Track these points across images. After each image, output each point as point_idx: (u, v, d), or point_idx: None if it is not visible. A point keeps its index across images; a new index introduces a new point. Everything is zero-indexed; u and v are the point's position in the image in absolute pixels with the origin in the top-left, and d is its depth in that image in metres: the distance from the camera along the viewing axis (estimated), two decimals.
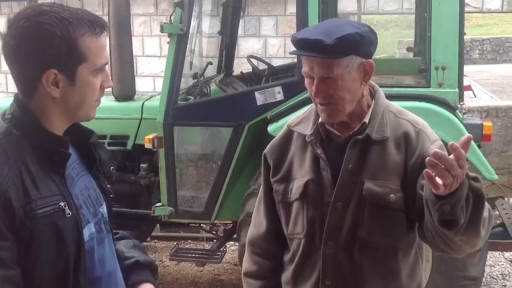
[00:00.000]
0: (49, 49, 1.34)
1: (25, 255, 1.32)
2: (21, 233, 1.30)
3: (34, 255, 1.33)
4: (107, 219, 1.57)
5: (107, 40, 1.45)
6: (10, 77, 2.07)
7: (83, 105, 1.43)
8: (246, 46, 7.92)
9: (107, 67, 1.49)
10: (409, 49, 6.15)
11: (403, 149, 1.75)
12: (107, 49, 1.46)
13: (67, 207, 1.37)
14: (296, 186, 1.83)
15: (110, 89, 4.30)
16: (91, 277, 1.45)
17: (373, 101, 1.80)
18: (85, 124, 1.54)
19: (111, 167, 1.66)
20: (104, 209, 1.57)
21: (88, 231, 1.46)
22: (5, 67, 1.43)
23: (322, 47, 1.63)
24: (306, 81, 1.75)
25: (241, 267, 2.09)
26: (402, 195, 1.73)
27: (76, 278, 1.39)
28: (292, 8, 7.31)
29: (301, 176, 1.82)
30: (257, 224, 2.00)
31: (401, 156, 1.74)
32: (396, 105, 1.86)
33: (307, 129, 1.82)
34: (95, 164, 1.54)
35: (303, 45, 1.69)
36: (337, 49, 1.64)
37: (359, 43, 1.67)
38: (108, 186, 1.64)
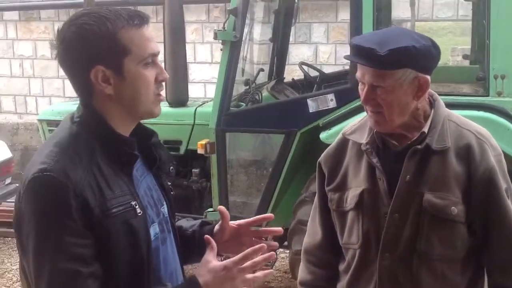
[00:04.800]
0: (91, 47, 1.37)
1: (103, 253, 1.35)
2: (98, 231, 1.33)
3: (111, 253, 1.36)
4: (168, 219, 1.58)
5: (151, 32, 1.43)
6: (67, 82, 2.13)
7: (139, 99, 1.42)
8: (297, 53, 7.90)
9: (160, 61, 1.50)
10: (465, 57, 6.01)
11: (466, 160, 1.69)
12: (155, 40, 1.43)
13: (137, 206, 1.40)
14: (351, 196, 1.80)
15: (164, 95, 4.36)
16: (155, 277, 1.46)
17: (433, 110, 1.75)
18: None
19: (171, 167, 1.67)
20: (165, 208, 1.58)
21: (153, 230, 1.48)
22: (62, 72, 1.47)
23: (373, 56, 1.60)
24: (359, 86, 1.73)
25: (291, 275, 2.08)
26: (463, 207, 1.68)
27: (148, 277, 1.41)
28: (343, 15, 7.24)
29: (356, 186, 1.80)
30: (312, 233, 1.99)
31: (463, 168, 1.69)
32: (457, 114, 1.81)
33: (362, 138, 1.80)
34: (155, 163, 1.56)
35: (356, 51, 1.66)
36: (388, 61, 1.59)
37: (414, 57, 1.61)
38: (169, 183, 1.65)
